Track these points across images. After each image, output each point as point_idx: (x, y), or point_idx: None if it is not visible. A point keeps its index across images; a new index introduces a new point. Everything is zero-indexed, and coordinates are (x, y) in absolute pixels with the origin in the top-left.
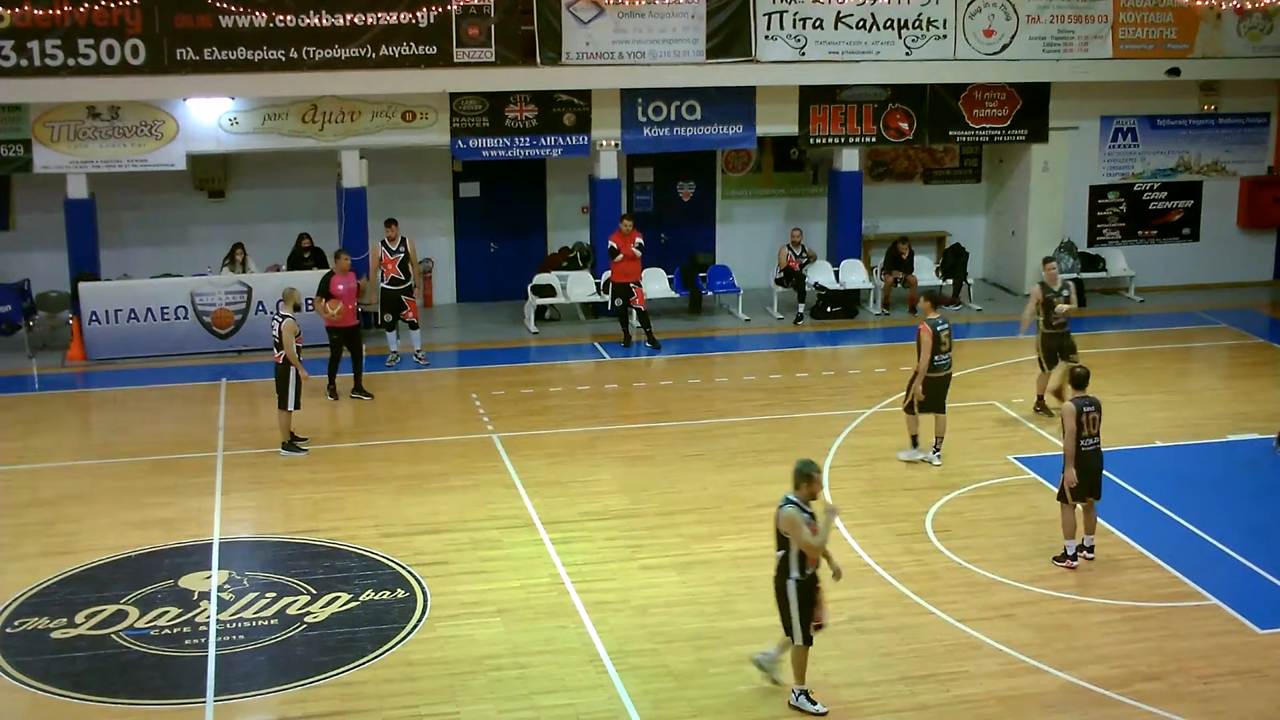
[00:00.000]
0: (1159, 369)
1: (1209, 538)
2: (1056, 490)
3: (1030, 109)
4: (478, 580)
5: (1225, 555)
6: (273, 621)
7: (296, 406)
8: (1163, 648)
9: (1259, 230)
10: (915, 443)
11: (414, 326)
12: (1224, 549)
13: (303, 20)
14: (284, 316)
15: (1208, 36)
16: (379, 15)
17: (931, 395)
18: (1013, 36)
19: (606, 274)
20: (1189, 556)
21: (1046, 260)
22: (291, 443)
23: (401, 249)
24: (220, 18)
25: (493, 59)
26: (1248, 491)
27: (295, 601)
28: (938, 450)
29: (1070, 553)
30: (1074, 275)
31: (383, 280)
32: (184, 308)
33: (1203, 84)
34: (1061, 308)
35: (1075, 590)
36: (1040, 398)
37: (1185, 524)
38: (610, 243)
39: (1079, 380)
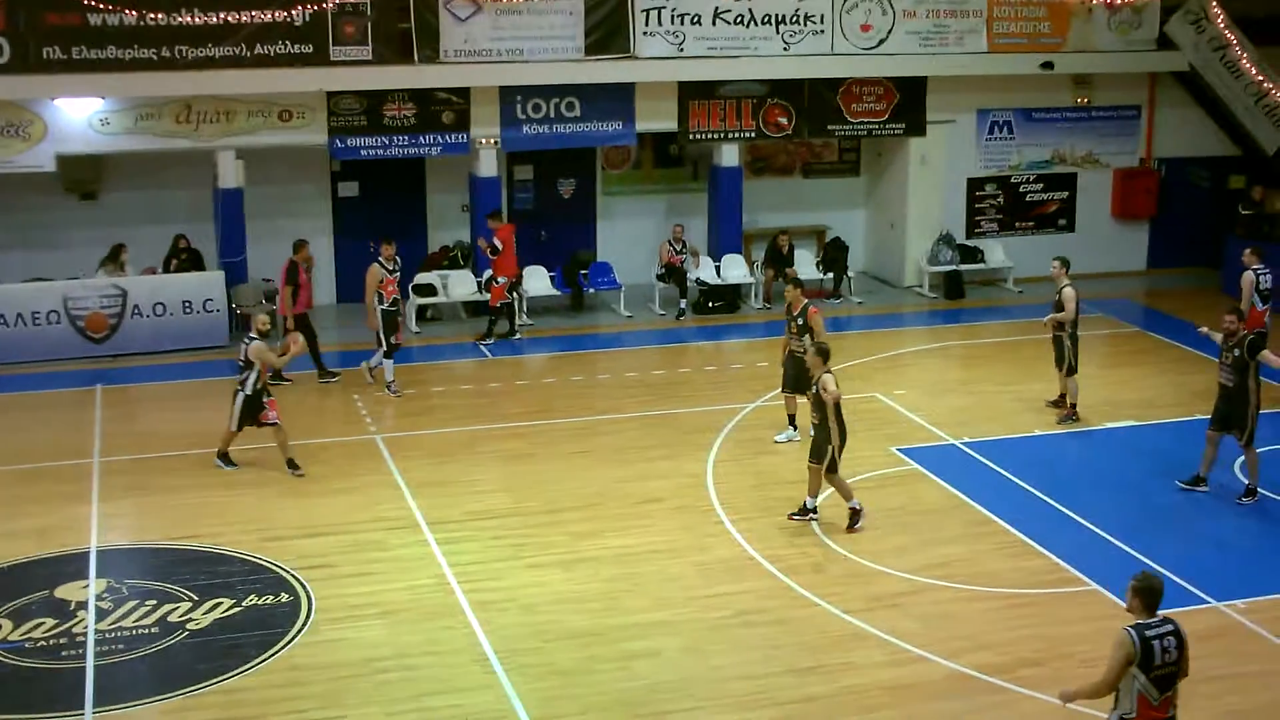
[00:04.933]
0: (1038, 359)
1: (1088, 524)
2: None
3: (908, 103)
4: (362, 583)
5: (1104, 541)
6: (153, 630)
7: (237, 429)
8: (1045, 633)
9: (1132, 220)
10: (792, 422)
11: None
12: (1103, 535)
13: (175, 19)
14: (251, 339)
15: (1079, 31)
16: (253, 14)
17: (801, 374)
18: (889, 31)
19: (488, 272)
20: (1069, 543)
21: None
22: (226, 455)
23: (398, 267)
24: (89, 15)
25: (370, 57)
26: (1125, 478)
27: (177, 609)
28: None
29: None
30: (952, 267)
31: (383, 303)
32: (56, 312)
33: (1075, 77)
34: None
35: (960, 579)
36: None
37: (1065, 511)
38: (495, 240)
39: (824, 355)
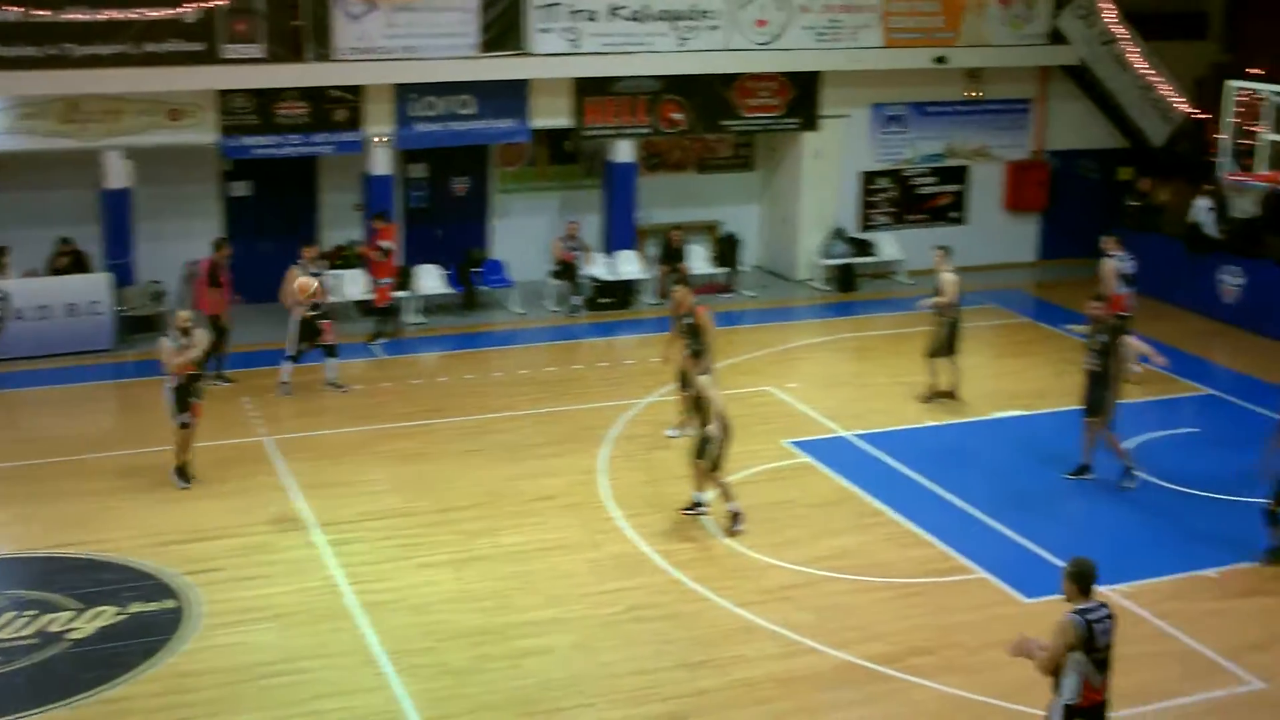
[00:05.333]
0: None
1: (978, 513)
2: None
3: (802, 98)
4: (250, 586)
5: (993, 529)
6: (33, 640)
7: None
8: (935, 622)
9: (1023, 212)
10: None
11: (333, 353)
12: (992, 523)
13: (61, 15)
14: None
15: (972, 25)
16: (142, 10)
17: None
18: (784, 27)
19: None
20: (959, 532)
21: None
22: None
23: (323, 270)
24: None
25: (261, 55)
26: (1013, 466)
27: (57, 618)
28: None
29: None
30: (845, 261)
31: (304, 308)
32: None
33: (968, 71)
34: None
35: (851, 570)
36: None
37: (955, 501)
38: (381, 241)
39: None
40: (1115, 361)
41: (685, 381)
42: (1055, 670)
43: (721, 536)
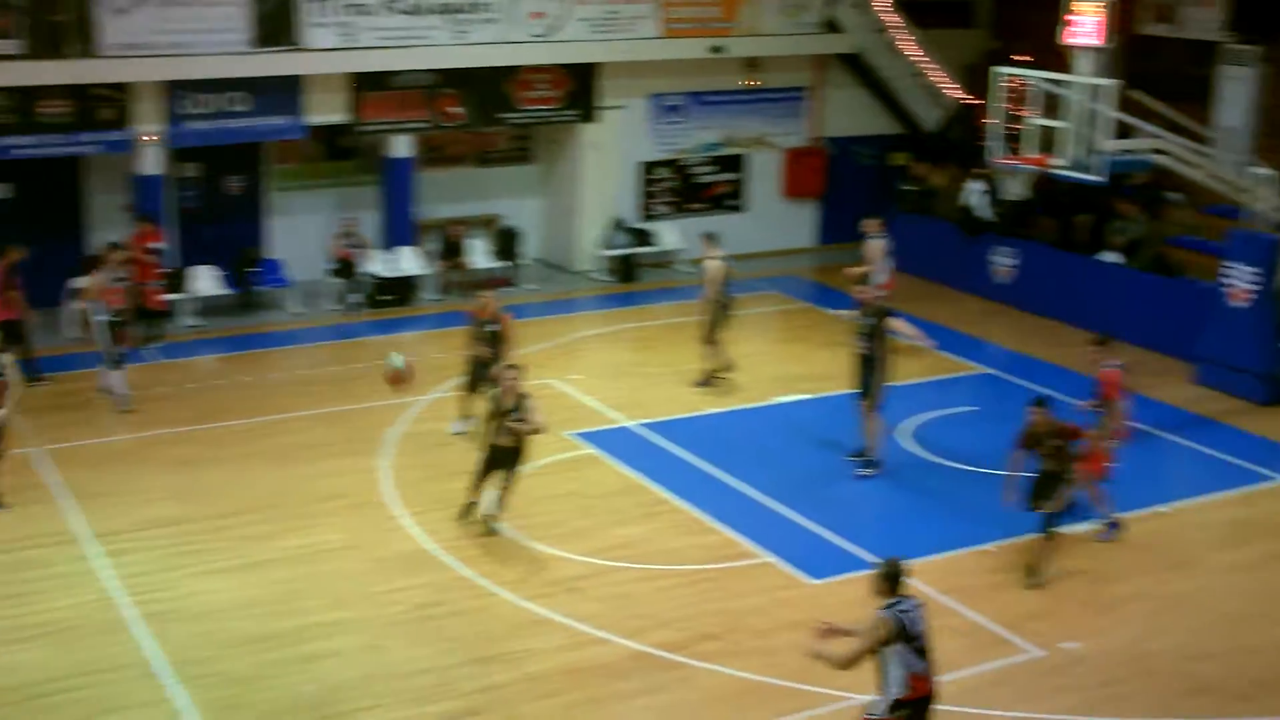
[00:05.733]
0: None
1: (763, 497)
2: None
3: (580, 89)
4: (19, 604)
5: (776, 513)
6: None
7: None
8: (723, 608)
9: (801, 199)
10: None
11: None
12: (777, 507)
13: None
14: None
15: (748, 15)
16: None
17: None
18: (561, 19)
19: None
20: (743, 517)
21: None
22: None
23: (125, 275)
24: None
25: (21, 51)
26: (796, 450)
27: None
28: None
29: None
30: (625, 251)
31: (106, 314)
32: None
33: (745, 61)
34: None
35: (638, 559)
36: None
37: (739, 486)
38: (152, 243)
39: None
40: (882, 344)
41: (475, 381)
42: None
43: (509, 530)
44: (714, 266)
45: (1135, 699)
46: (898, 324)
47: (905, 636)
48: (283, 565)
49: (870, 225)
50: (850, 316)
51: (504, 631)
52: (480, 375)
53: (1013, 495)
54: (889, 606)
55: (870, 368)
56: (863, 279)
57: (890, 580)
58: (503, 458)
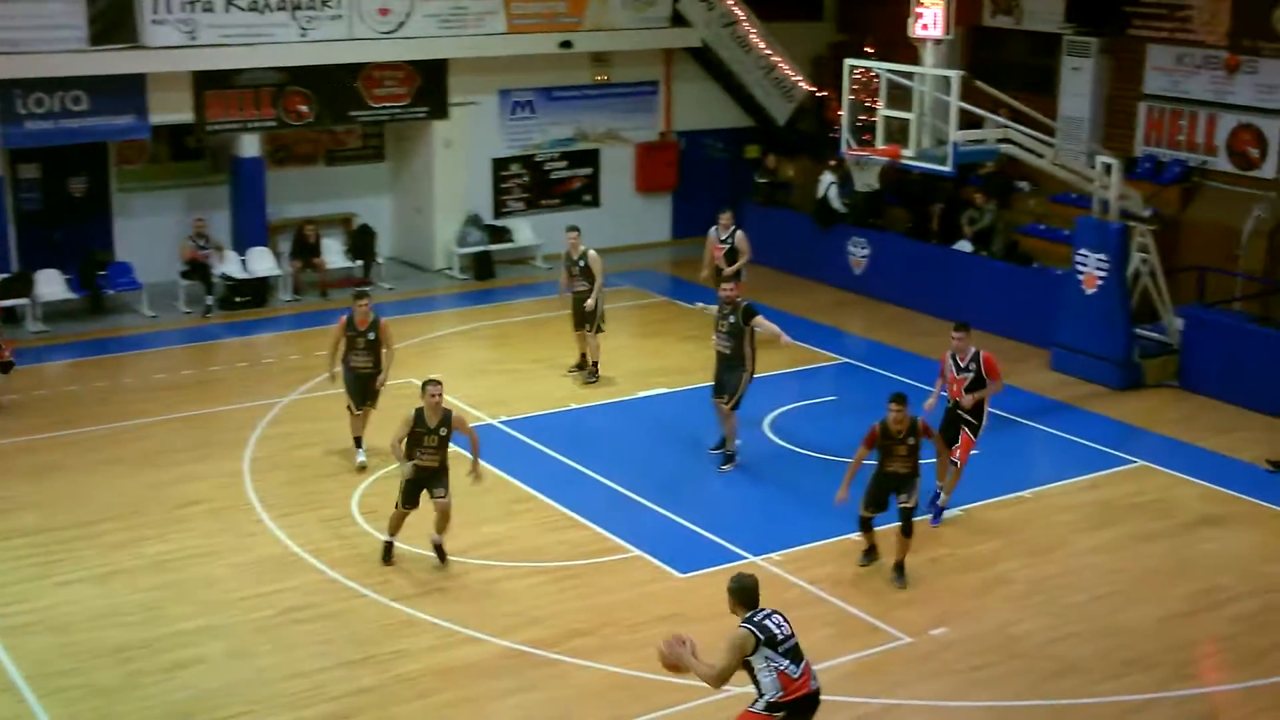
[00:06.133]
0: (567, 333)
1: (628, 492)
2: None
3: (430, 86)
4: None
5: (643, 507)
6: None
7: None
8: (592, 603)
9: (655, 193)
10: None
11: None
12: (642, 501)
13: None
14: None
15: (596, 10)
16: None
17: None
18: (408, 15)
19: None
20: (610, 513)
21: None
22: None
23: None
24: None
25: None
26: (659, 444)
27: None
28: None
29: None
30: (481, 248)
31: None
32: None
33: (594, 56)
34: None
35: (505, 557)
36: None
37: (604, 481)
38: None
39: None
40: (746, 344)
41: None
42: (727, 678)
43: (374, 531)
44: (597, 255)
45: (1004, 682)
46: (762, 322)
47: (772, 643)
48: (145, 573)
49: (726, 218)
50: (709, 311)
51: (374, 634)
52: (363, 390)
53: (847, 493)
54: (748, 620)
55: (731, 367)
56: (735, 274)
57: (739, 595)
58: (428, 479)
